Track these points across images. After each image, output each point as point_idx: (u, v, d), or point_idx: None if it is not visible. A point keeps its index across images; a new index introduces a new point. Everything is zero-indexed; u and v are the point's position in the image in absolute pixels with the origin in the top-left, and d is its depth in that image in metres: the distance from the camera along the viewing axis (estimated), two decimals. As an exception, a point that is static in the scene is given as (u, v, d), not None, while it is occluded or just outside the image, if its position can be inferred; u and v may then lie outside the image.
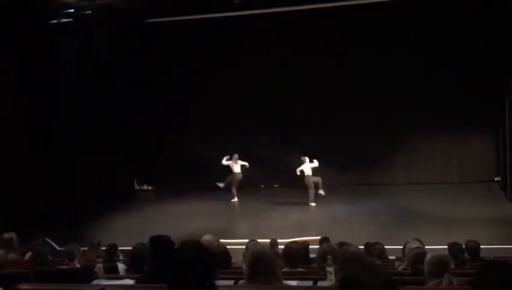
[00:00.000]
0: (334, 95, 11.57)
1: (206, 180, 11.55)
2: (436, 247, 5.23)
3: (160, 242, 3.51)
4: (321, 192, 10.70)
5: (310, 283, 3.28)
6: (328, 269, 3.07)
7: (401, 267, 4.49)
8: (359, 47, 11.18)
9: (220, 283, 2.20)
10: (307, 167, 10.61)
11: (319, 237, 6.85)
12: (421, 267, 3.63)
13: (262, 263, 2.66)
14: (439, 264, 3.34)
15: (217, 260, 3.36)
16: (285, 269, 3.56)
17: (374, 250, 5.77)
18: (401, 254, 5.49)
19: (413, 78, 11.17)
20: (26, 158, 9.93)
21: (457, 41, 10.63)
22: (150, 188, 13.25)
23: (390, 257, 5.91)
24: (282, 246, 4.41)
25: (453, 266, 3.69)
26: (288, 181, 12.11)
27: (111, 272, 4.20)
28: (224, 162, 11.10)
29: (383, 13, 10.40)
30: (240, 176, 11.17)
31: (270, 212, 10.44)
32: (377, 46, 11.10)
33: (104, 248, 6.23)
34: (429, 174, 11.72)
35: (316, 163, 10.58)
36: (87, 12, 10.20)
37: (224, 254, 4.13)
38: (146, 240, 3.71)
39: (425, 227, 8.29)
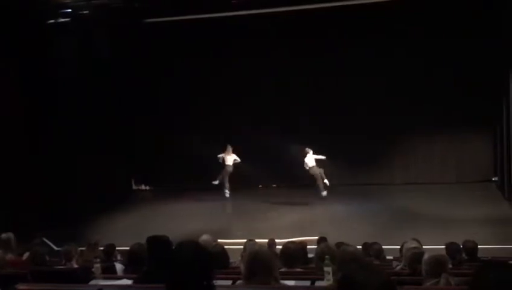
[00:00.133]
0: (333, 95, 11.56)
1: (206, 180, 11.54)
2: (434, 247, 5.23)
3: (157, 242, 3.51)
4: (326, 181, 10.71)
5: (307, 283, 3.28)
6: (326, 269, 3.07)
7: (398, 267, 4.49)
8: (358, 47, 11.18)
9: (218, 283, 2.20)
10: (310, 158, 10.63)
11: (317, 237, 6.86)
12: (418, 267, 3.63)
13: (260, 263, 2.66)
14: (437, 264, 3.34)
15: (215, 260, 3.35)
16: (283, 269, 3.56)
17: (372, 250, 5.79)
18: (399, 254, 5.49)
19: (413, 78, 11.17)
20: (26, 158, 9.91)
21: (457, 41, 10.64)
22: (147, 188, 13.23)
23: (388, 257, 5.92)
24: (280, 246, 4.41)
25: (450, 266, 3.69)
26: (287, 181, 12.14)
27: (109, 272, 4.20)
28: (219, 155, 11.14)
29: (382, 13, 10.39)
30: (230, 169, 11.11)
31: (268, 212, 10.43)
32: (376, 46, 11.09)
33: (101, 248, 6.21)
34: (427, 174, 11.73)
35: (322, 156, 10.63)
36: (85, 12, 10.17)
37: (222, 254, 4.13)
38: (144, 240, 3.71)
39: (423, 227, 8.30)
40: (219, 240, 5.96)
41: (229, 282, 3.21)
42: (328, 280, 3.05)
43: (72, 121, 11.04)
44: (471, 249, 5.20)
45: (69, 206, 10.19)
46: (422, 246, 4.84)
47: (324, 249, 3.59)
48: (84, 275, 3.89)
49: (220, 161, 11.24)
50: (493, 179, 11.32)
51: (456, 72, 10.88)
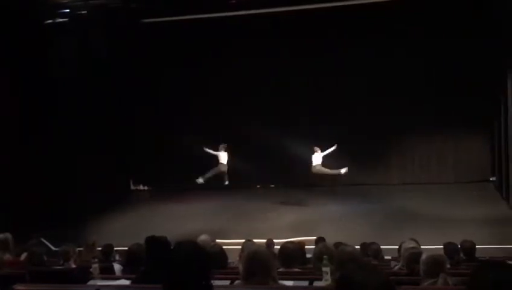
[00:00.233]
0: (333, 95, 11.57)
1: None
2: (432, 247, 5.23)
3: (156, 242, 3.51)
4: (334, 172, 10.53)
5: (306, 283, 3.28)
6: (324, 269, 3.07)
7: (396, 267, 4.50)
8: (358, 47, 11.19)
9: (216, 283, 2.20)
10: (317, 157, 10.58)
11: (315, 237, 6.86)
12: (416, 267, 3.63)
13: (258, 263, 2.66)
14: (435, 264, 3.34)
15: (213, 260, 3.35)
16: (281, 269, 3.56)
17: (370, 250, 5.79)
18: (397, 254, 5.50)
19: (412, 78, 11.18)
20: (26, 158, 9.89)
21: (457, 41, 10.64)
22: (145, 188, 13.21)
23: (386, 257, 5.92)
24: (279, 246, 4.41)
25: (448, 266, 3.69)
26: (286, 181, 12.14)
27: (107, 272, 4.20)
28: (208, 149, 10.67)
29: (382, 13, 10.38)
30: (224, 168, 10.78)
31: (267, 212, 10.43)
32: (376, 46, 11.09)
33: (100, 248, 6.21)
34: (425, 174, 11.75)
35: (332, 148, 10.49)
36: (83, 12, 10.16)
37: (220, 254, 4.13)
38: (142, 241, 3.71)
39: (421, 227, 8.30)
40: (217, 240, 5.96)
41: (227, 282, 3.21)
42: (326, 280, 3.05)
43: (72, 121, 11.04)
44: (469, 249, 5.21)
45: (69, 206, 10.19)
46: (420, 246, 4.84)
47: (322, 249, 3.59)
48: (82, 275, 3.89)
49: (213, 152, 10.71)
50: (491, 179, 11.34)
51: (455, 72, 10.89)
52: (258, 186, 12.51)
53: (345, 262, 2.95)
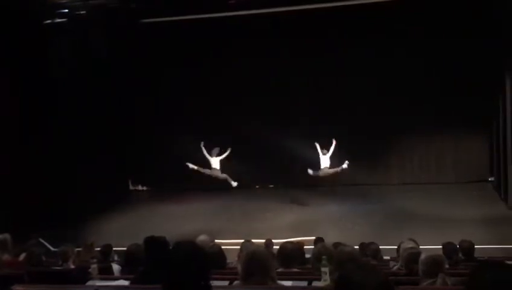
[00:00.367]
0: (333, 95, 11.58)
1: (205, 180, 11.51)
2: (431, 247, 5.24)
3: (155, 243, 3.50)
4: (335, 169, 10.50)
5: (304, 283, 3.28)
6: (323, 269, 3.07)
7: (395, 267, 4.50)
8: (358, 47, 11.19)
9: (215, 283, 2.20)
10: (326, 159, 10.55)
11: (314, 237, 6.86)
12: (415, 267, 3.63)
13: (257, 263, 2.66)
14: (433, 264, 3.34)
15: (212, 260, 3.35)
16: (280, 270, 3.55)
17: (369, 250, 5.78)
18: (396, 254, 5.49)
19: (412, 78, 11.18)
20: (26, 158, 9.90)
21: (457, 41, 10.64)
22: (144, 188, 13.21)
23: (385, 257, 5.92)
24: (278, 247, 4.41)
25: (447, 266, 3.69)
26: (285, 181, 12.14)
27: (106, 272, 4.19)
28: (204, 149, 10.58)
29: (382, 13, 10.38)
30: (215, 173, 10.52)
31: (265, 212, 10.43)
32: (376, 46, 11.09)
33: (98, 249, 6.20)
34: (425, 175, 11.75)
35: (332, 147, 10.47)
36: (82, 12, 10.15)
37: (219, 255, 4.13)
38: (141, 241, 3.71)
39: (420, 227, 8.31)
40: (216, 241, 5.95)
41: (226, 282, 3.20)
42: (325, 280, 3.05)
43: (72, 121, 11.03)
44: (467, 249, 5.20)
45: (69, 207, 10.18)
46: (419, 246, 4.85)
47: (321, 249, 3.59)
48: (81, 275, 3.88)
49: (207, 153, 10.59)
50: (490, 179, 11.34)
51: (455, 72, 10.89)
52: (257, 186, 12.50)
53: (343, 262, 2.95)
